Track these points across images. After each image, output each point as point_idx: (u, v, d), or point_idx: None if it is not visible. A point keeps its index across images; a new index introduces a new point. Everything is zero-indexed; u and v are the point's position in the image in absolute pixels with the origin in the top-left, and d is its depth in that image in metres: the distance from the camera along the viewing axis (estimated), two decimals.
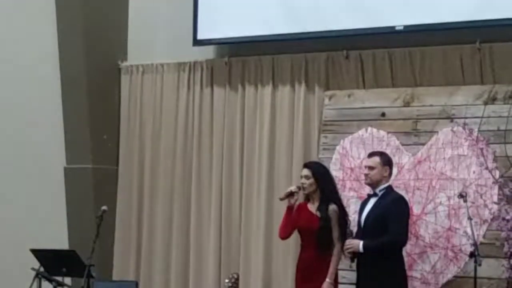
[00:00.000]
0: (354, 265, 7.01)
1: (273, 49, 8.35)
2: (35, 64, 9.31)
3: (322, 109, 8.03)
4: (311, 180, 7.12)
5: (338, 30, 7.95)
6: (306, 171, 7.18)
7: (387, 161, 7.02)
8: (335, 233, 7.01)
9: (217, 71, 8.64)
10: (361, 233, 6.91)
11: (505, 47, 7.43)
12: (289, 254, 7.95)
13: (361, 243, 6.80)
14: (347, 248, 6.88)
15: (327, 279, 6.95)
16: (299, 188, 7.20)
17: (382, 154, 7.08)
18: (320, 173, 7.16)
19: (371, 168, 6.96)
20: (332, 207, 7.06)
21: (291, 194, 7.19)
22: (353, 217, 7.26)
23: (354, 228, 7.09)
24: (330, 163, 7.77)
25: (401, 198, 6.99)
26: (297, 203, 7.24)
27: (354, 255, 6.88)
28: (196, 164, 8.65)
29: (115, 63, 9.14)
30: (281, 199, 7.28)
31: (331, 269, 6.97)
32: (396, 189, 7.27)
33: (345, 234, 7.01)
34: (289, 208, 7.19)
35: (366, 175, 7.01)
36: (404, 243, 6.89)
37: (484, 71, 7.51)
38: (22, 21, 9.40)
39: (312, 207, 7.15)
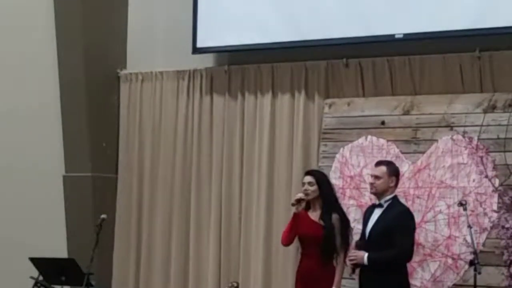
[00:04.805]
0: (354, 274, 6.95)
1: (273, 57, 8.34)
2: (34, 72, 9.31)
3: (322, 117, 8.03)
4: (315, 187, 7.09)
5: (338, 38, 7.94)
6: (309, 178, 7.14)
7: (394, 171, 6.87)
8: (338, 242, 6.97)
9: (217, 79, 8.63)
10: (366, 245, 6.79)
11: (504, 55, 7.43)
12: (289, 262, 7.94)
13: (365, 255, 6.70)
14: (352, 260, 6.78)
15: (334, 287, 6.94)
16: (306, 195, 7.16)
17: (389, 164, 6.94)
18: (322, 181, 7.14)
19: (377, 177, 6.81)
20: (335, 215, 7.03)
21: (298, 201, 7.13)
22: (353, 225, 7.25)
23: (355, 236, 7.07)
24: (330, 171, 7.77)
25: (408, 211, 6.86)
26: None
27: (356, 266, 6.79)
28: (196, 172, 8.64)
29: (114, 71, 9.14)
30: (293, 205, 7.12)
31: (337, 278, 6.93)
32: None
33: (347, 242, 6.98)
34: (295, 215, 7.11)
35: (371, 184, 6.87)
36: (409, 257, 6.78)
37: (484, 79, 7.51)
38: (21, 29, 9.39)
39: (313, 215, 7.11)
